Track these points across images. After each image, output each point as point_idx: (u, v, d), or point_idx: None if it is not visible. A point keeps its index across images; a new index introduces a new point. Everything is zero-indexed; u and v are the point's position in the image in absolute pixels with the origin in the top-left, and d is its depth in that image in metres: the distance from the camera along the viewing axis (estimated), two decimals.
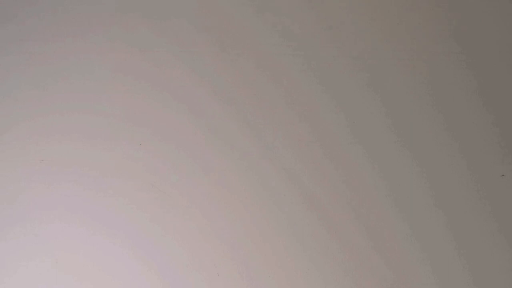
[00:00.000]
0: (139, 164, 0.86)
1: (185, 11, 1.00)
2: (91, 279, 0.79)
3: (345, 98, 0.93)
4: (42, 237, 0.81)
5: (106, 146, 0.86)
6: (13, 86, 0.91)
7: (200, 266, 0.79)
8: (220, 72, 0.95)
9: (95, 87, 0.90)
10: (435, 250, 0.82)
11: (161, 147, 0.88)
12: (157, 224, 0.82)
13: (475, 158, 0.89)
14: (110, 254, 0.80)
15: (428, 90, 0.95)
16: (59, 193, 0.83)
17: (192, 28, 0.99)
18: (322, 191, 0.85)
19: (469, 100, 0.94)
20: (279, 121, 0.91)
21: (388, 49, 0.98)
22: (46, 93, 0.90)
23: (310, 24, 1.01)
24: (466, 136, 0.91)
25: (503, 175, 0.88)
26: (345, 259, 0.80)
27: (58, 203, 0.83)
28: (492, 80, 0.96)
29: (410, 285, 0.79)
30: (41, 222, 0.82)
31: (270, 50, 0.97)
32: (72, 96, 0.89)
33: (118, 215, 0.83)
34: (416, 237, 0.83)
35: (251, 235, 0.82)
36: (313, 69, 0.96)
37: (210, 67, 0.95)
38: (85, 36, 0.96)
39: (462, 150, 0.90)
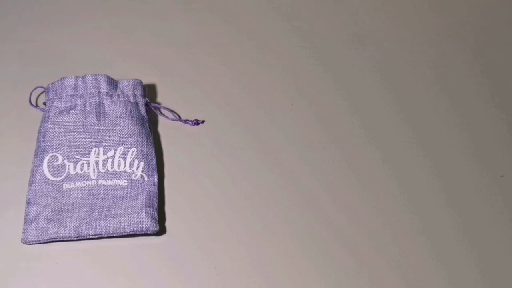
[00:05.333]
0: None
1: (182, 8, 1.01)
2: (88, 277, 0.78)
3: (344, 97, 0.94)
4: None
5: None
6: None
7: (200, 267, 0.79)
8: (218, 71, 0.95)
9: None
10: (433, 252, 0.82)
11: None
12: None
13: (474, 159, 0.89)
14: (109, 254, 0.80)
15: (426, 90, 0.95)
16: None
17: (189, 26, 0.99)
18: (322, 191, 0.85)
19: (468, 100, 0.95)
20: (279, 121, 0.91)
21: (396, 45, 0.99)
22: None
23: (316, 23, 1.01)
24: (465, 136, 0.91)
25: (502, 176, 0.88)
26: (346, 260, 0.80)
27: None
28: (492, 80, 0.97)
29: (411, 285, 0.79)
30: None
31: (272, 48, 0.98)
32: None
33: None
34: (415, 238, 0.83)
35: (251, 235, 0.81)
36: (316, 69, 0.96)
37: (208, 66, 0.95)
38: None
39: (461, 150, 0.90)
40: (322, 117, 0.91)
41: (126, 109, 0.85)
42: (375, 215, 0.84)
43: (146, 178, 0.82)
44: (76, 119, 0.84)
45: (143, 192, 0.82)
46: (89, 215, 0.79)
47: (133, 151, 0.83)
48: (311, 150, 0.88)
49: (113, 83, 0.86)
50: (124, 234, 0.79)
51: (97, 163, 0.83)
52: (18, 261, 0.78)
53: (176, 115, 0.90)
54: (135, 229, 0.79)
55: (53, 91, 0.85)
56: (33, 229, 0.78)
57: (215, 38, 0.98)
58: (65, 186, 0.82)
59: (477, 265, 0.81)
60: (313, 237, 0.82)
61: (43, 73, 0.91)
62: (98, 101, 0.85)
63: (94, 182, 0.82)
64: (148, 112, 0.88)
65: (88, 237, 0.79)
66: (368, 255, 0.81)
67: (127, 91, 0.86)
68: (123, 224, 0.79)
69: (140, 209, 0.80)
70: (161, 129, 0.89)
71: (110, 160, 0.83)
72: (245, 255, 0.80)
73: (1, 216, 0.81)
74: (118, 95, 0.86)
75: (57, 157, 0.82)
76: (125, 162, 0.83)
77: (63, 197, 0.81)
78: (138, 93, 0.87)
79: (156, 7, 1.01)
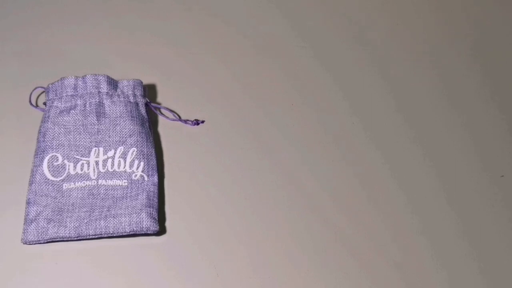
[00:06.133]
0: None
1: (182, 8, 1.01)
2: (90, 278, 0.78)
3: (344, 97, 0.94)
4: None
5: None
6: None
7: (200, 267, 0.79)
8: (218, 71, 0.95)
9: None
10: (433, 252, 0.82)
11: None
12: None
13: (474, 159, 0.89)
14: (109, 254, 0.80)
15: (426, 90, 0.95)
16: None
17: (189, 26, 0.99)
18: (322, 191, 0.85)
19: (468, 100, 0.95)
20: (279, 121, 0.91)
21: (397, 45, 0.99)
22: None
23: (316, 23, 1.01)
24: (465, 136, 0.91)
25: (502, 176, 0.88)
26: (346, 260, 0.80)
27: None
28: (492, 80, 0.97)
29: (411, 285, 0.79)
30: None
31: (272, 48, 0.98)
32: None
33: None
34: (415, 238, 0.82)
35: (251, 235, 0.81)
36: (316, 69, 0.96)
37: (208, 66, 0.95)
38: None
39: (461, 150, 0.90)
40: (322, 117, 0.91)
41: (126, 109, 0.85)
42: (375, 215, 0.84)
43: (146, 178, 0.82)
44: (76, 119, 0.84)
45: (143, 192, 0.82)
46: (89, 215, 0.79)
47: (133, 151, 0.83)
48: (311, 150, 0.88)
49: (113, 83, 0.86)
50: (124, 234, 0.79)
51: (97, 163, 0.83)
52: (18, 261, 0.78)
53: (176, 115, 0.90)
54: (135, 229, 0.79)
55: (53, 91, 0.85)
56: (33, 229, 0.78)
57: (215, 38, 0.98)
58: (65, 186, 0.82)
59: (477, 265, 0.81)
60: (313, 237, 0.82)
61: (43, 73, 0.91)
62: (98, 101, 0.85)
63: (94, 182, 0.82)
64: (148, 112, 0.88)
65: (88, 237, 0.79)
66: (368, 255, 0.81)
67: (127, 91, 0.86)
68: (123, 224, 0.79)
69: (140, 209, 0.80)
70: (161, 129, 0.89)
71: (110, 160, 0.83)
72: (245, 255, 0.80)
73: (1, 216, 0.81)
74: (118, 95, 0.86)
75: (57, 157, 0.82)
76: (125, 162, 0.83)
77: (63, 197, 0.81)
78: (138, 93, 0.87)
79: (156, 7, 1.01)
